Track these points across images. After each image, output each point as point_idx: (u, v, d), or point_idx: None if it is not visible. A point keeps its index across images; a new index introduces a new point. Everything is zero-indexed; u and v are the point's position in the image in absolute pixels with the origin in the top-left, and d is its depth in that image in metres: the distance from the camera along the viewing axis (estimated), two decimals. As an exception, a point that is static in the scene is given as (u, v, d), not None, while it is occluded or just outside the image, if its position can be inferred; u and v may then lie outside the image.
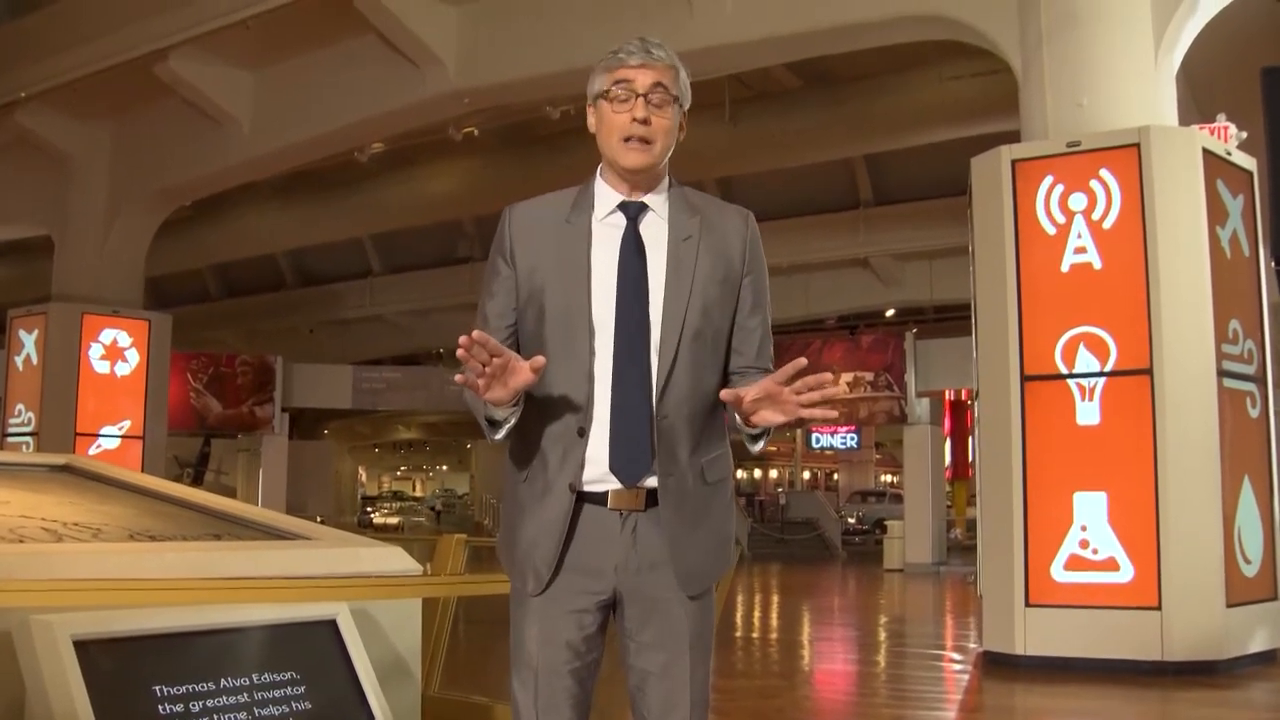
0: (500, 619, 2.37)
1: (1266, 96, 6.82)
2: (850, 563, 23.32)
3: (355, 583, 2.95)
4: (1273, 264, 8.16)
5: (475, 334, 2.02)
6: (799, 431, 31.02)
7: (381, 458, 60.00)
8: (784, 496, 31.94)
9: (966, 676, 8.32)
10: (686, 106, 2.30)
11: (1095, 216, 8.17)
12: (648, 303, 2.22)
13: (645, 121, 2.22)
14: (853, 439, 30.41)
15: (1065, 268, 8.22)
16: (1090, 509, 7.95)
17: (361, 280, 25.87)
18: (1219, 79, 10.57)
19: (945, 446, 23.48)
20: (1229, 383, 8.11)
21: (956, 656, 9.47)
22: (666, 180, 2.32)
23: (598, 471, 2.20)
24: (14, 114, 15.21)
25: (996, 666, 8.13)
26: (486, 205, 18.33)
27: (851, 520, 31.02)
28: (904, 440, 21.71)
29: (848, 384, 20.07)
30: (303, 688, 2.81)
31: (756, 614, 13.34)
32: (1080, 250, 8.18)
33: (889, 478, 42.62)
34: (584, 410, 2.20)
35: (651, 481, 2.20)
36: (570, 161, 15.33)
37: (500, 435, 2.22)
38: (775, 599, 15.81)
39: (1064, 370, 8.13)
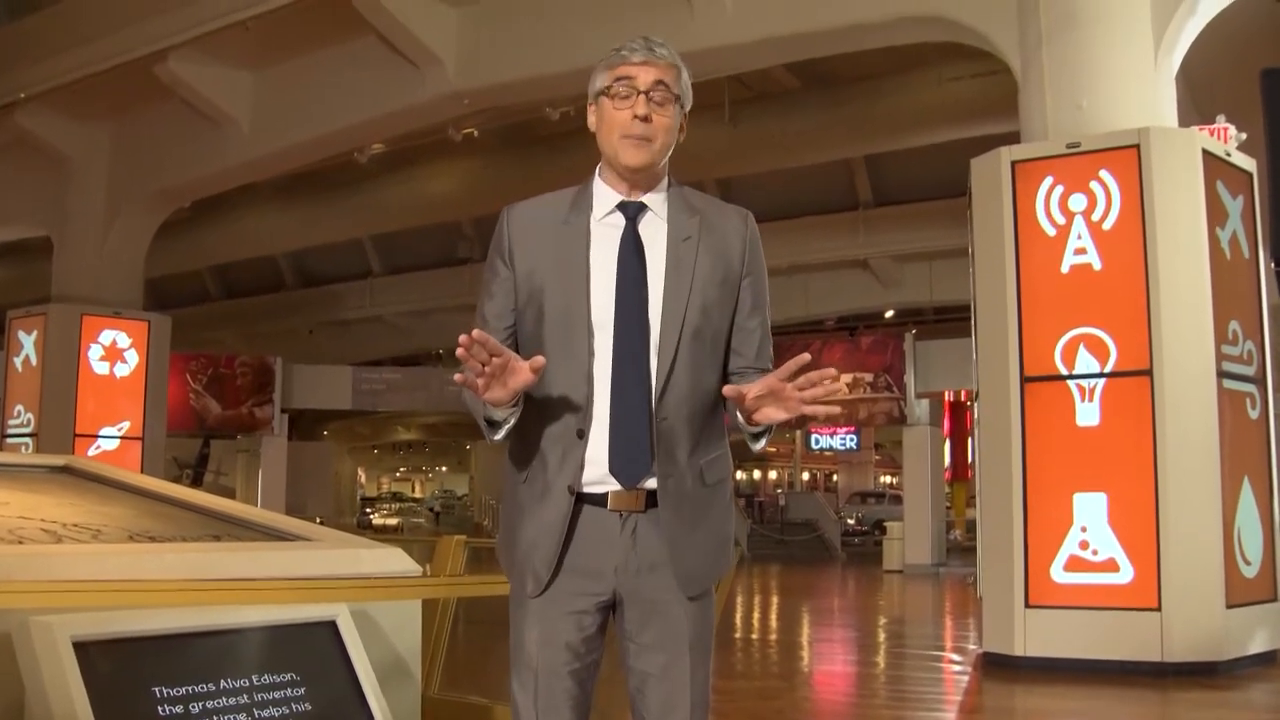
0: (500, 620, 2.36)
1: (1266, 98, 6.82)
2: (850, 564, 23.32)
3: (355, 584, 2.95)
4: (1272, 265, 8.17)
5: (475, 333, 2.01)
6: (798, 432, 31.02)
7: (381, 459, 60.00)
8: (783, 497, 31.96)
9: (966, 678, 8.32)
10: (688, 108, 2.29)
11: (1095, 217, 8.17)
12: (647, 303, 2.21)
13: (646, 119, 2.21)
14: (852, 440, 30.46)
15: (1065, 269, 8.22)
16: (1090, 510, 7.95)
17: (361, 281, 25.87)
18: (1218, 80, 10.57)
19: (945, 448, 23.49)
20: (1229, 384, 8.11)
21: (956, 657, 9.46)
22: (666, 180, 2.32)
23: (597, 473, 2.19)
24: (13, 115, 15.20)
25: (996, 667, 8.12)
26: (486, 206, 18.33)
27: (851, 521, 31.03)
28: (903, 441, 21.70)
29: (847, 385, 20.08)
30: (302, 689, 2.81)
31: (756, 615, 13.34)
32: (1080, 251, 8.18)
33: (888, 479, 42.64)
34: (583, 411, 2.20)
35: (651, 483, 2.19)
36: (570, 162, 15.34)
37: (499, 436, 2.22)
38: (775, 600, 15.80)
39: (1064, 371, 8.12)
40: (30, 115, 15.27)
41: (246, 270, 26.70)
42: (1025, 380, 8.23)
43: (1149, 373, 7.88)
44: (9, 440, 15.35)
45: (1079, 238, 8.18)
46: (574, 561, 2.20)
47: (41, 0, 15.14)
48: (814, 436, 30.35)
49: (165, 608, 2.65)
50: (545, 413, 2.22)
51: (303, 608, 2.92)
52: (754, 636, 11.27)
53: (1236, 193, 8.47)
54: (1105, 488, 7.94)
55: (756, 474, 45.23)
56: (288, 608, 2.89)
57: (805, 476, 44.76)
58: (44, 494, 3.66)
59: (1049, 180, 8.34)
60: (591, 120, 2.31)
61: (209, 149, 15.08)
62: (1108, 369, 8.02)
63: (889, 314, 24.16)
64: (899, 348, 20.35)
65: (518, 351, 2.28)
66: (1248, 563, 8.06)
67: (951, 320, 22.02)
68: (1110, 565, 7.86)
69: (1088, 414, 8.03)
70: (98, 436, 15.55)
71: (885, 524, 23.02)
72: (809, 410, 2.08)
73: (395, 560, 3.28)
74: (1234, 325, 8.24)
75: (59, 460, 4.25)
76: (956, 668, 8.93)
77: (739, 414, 2.16)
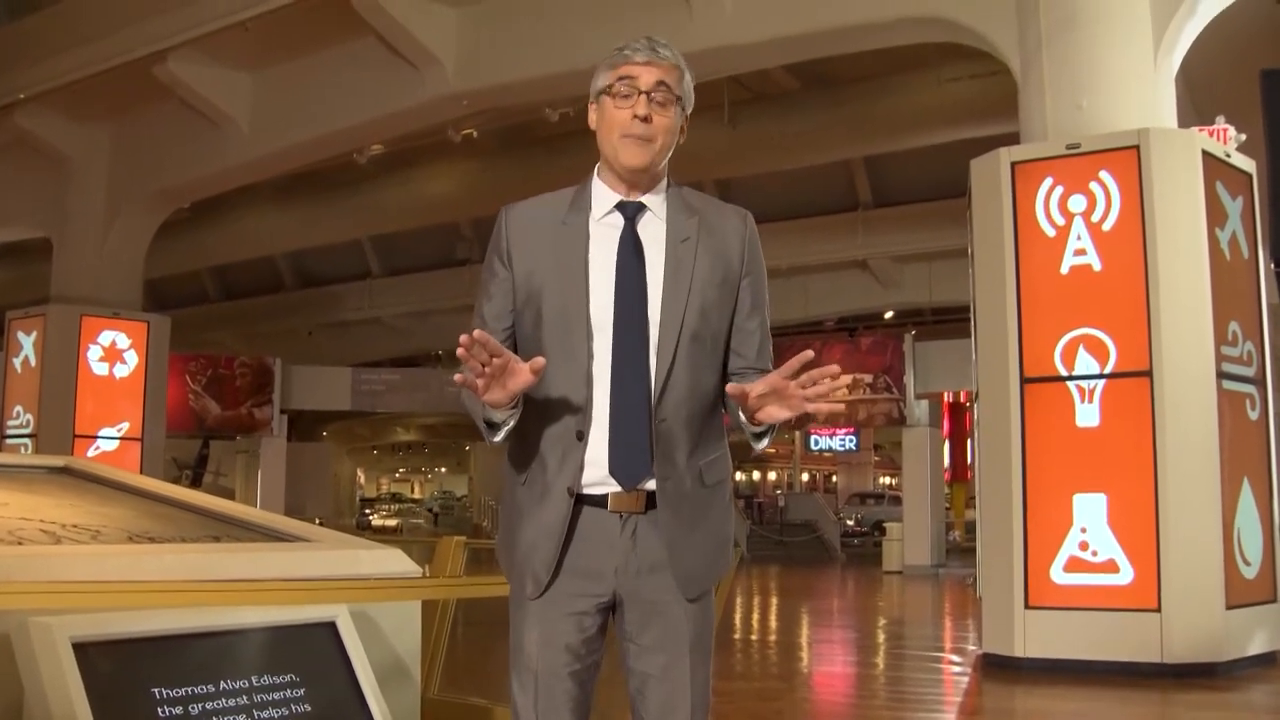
0: (500, 620, 2.36)
1: (1265, 99, 6.84)
2: (849, 565, 23.31)
3: (355, 585, 2.95)
4: (1272, 266, 8.18)
5: (476, 333, 2.00)
6: (797, 433, 31.01)
7: (380, 460, 60.03)
8: (783, 498, 31.94)
9: (966, 679, 8.31)
10: (689, 110, 2.29)
11: (1095, 218, 8.17)
12: (646, 304, 2.21)
13: (646, 119, 2.20)
14: (851, 441, 30.41)
15: (1065, 270, 8.22)
16: (1090, 511, 7.94)
17: (360, 282, 25.87)
18: (1218, 81, 10.58)
19: (944, 448, 23.48)
20: (1228, 385, 8.10)
21: (956, 659, 9.46)
22: (665, 181, 2.31)
23: (597, 474, 2.19)
24: (13, 115, 15.20)
25: (996, 669, 8.12)
26: (485, 207, 18.32)
27: (850, 522, 31.02)
28: (903, 442, 21.69)
29: (846, 386, 20.06)
30: (302, 690, 2.81)
31: (755, 616, 13.34)
32: (1080, 252, 8.18)
33: (888, 480, 42.64)
34: (583, 413, 2.19)
35: (650, 484, 2.19)
36: (569, 163, 15.32)
37: (498, 438, 2.21)
38: (774, 601, 15.80)
39: (1063, 372, 8.12)
40: (30, 116, 15.28)
41: (246, 271, 26.70)
42: (1025, 381, 8.22)
43: (1149, 374, 7.88)
44: (8, 441, 15.35)
45: (1079, 238, 8.18)
46: (574, 563, 2.20)
47: (41, 1, 15.14)
48: (813, 437, 30.34)
49: (165, 608, 2.65)
50: (544, 414, 2.21)
51: (302, 609, 2.92)
52: (753, 637, 11.27)
53: (1236, 193, 8.47)
54: (1105, 489, 7.93)
55: (756, 475, 45.23)
56: (287, 609, 2.88)
57: (805, 477, 44.77)
58: (43, 495, 3.65)
59: (1049, 181, 8.33)
60: (592, 119, 2.30)
61: (208, 150, 15.08)
62: (1107, 370, 8.02)
63: (888, 315, 24.17)
64: (898, 349, 20.34)
65: (517, 351, 2.28)
66: (1247, 563, 8.06)
67: (951, 321, 22.02)
68: (1110, 566, 7.86)
69: (1087, 415, 8.03)
70: (97, 437, 15.55)
71: (885, 525, 23.01)
72: (812, 408, 2.07)
73: (395, 561, 3.28)
74: (1234, 326, 8.24)
75: (58, 461, 4.25)
76: (956, 669, 8.93)
77: (741, 413, 2.15)
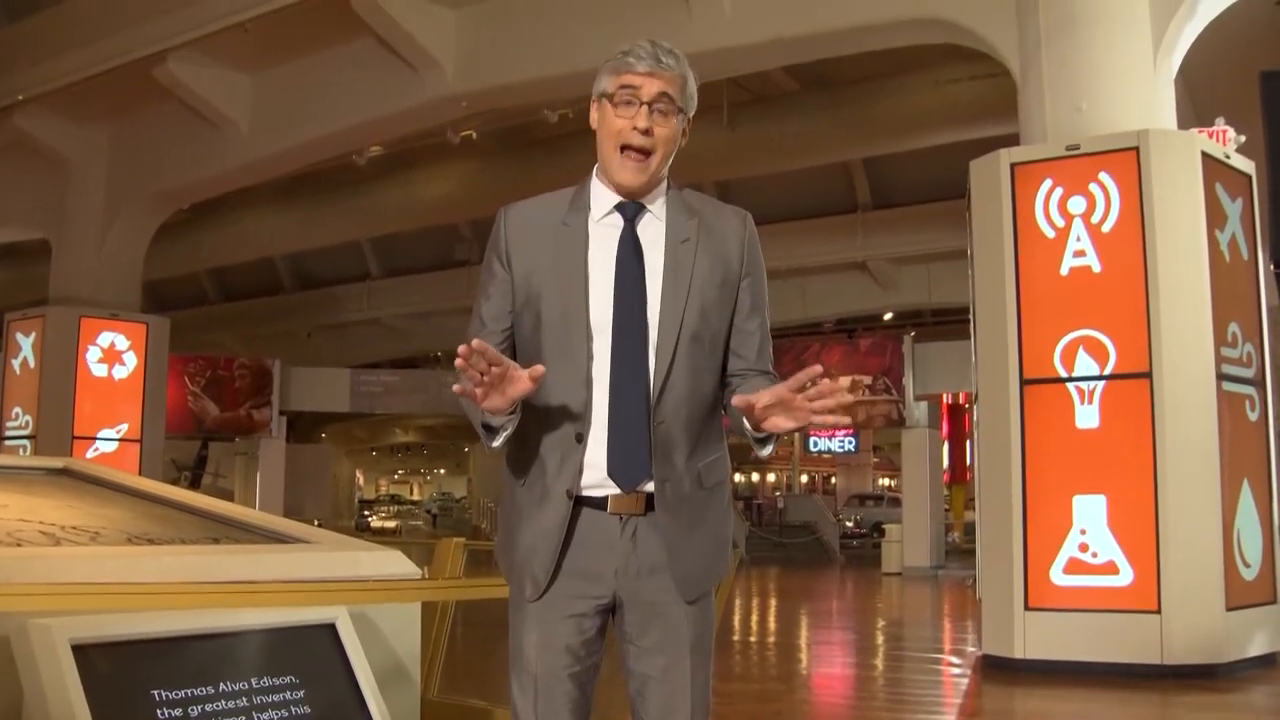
0: (499, 622, 2.36)
1: (1265, 100, 6.82)
2: (848, 566, 23.31)
3: (354, 586, 2.95)
4: (1272, 267, 8.17)
5: (475, 343, 2.00)
6: (797, 435, 31.02)
7: (379, 461, 60.03)
8: (782, 500, 31.91)
9: (965, 680, 8.31)
10: (691, 113, 2.28)
11: (1094, 220, 8.17)
12: (645, 306, 2.20)
13: (647, 132, 2.19)
14: (850, 442, 30.40)
15: (1064, 271, 8.22)
16: (1090, 512, 7.94)
17: (359, 283, 25.88)
18: (1217, 82, 10.58)
19: (943, 450, 23.48)
20: (1228, 386, 8.10)
21: (955, 660, 9.46)
22: (665, 182, 2.30)
23: (596, 476, 2.18)
24: (12, 117, 15.20)
25: (996, 670, 8.12)
26: (484, 208, 18.32)
27: (849, 524, 30.99)
28: (902, 444, 21.70)
29: (850, 399, 20.05)
30: (302, 692, 2.80)
31: (755, 618, 13.33)
32: (1079, 254, 8.18)
33: (887, 481, 42.63)
34: (582, 415, 2.18)
35: (650, 486, 2.18)
36: (568, 164, 15.31)
37: (497, 443, 2.20)
38: (773, 602, 15.79)
39: (1063, 374, 8.12)
40: (29, 117, 15.27)
41: (245, 272, 26.70)
42: (1025, 383, 8.22)
43: (1148, 375, 7.88)
44: (7, 443, 15.33)
45: (1078, 240, 8.18)
46: (573, 565, 2.19)
47: (40, 2, 15.13)
48: (812, 439, 30.31)
49: (164, 610, 2.64)
50: (543, 417, 2.21)
51: (302, 610, 2.91)
52: (753, 639, 11.27)
53: (1236, 195, 8.48)
54: (1105, 490, 7.93)
55: (755, 476, 45.23)
56: (287, 610, 2.88)
57: (804, 479, 44.74)
58: (42, 496, 3.65)
59: (1048, 182, 8.33)
60: (593, 118, 2.28)
61: (208, 151, 15.08)
62: (1107, 371, 8.02)
63: (887, 316, 24.18)
64: (897, 350, 20.35)
65: (516, 353, 2.28)
66: (1247, 565, 8.06)
67: (950, 322, 22.05)
68: (1110, 568, 7.86)
69: (1087, 416, 8.02)
70: (96, 439, 15.54)
71: (884, 526, 23.02)
72: (818, 420, 2.06)
73: (394, 563, 3.28)
74: (1233, 327, 8.24)
75: (57, 462, 4.25)
76: (956, 670, 8.92)
77: (745, 421, 2.14)
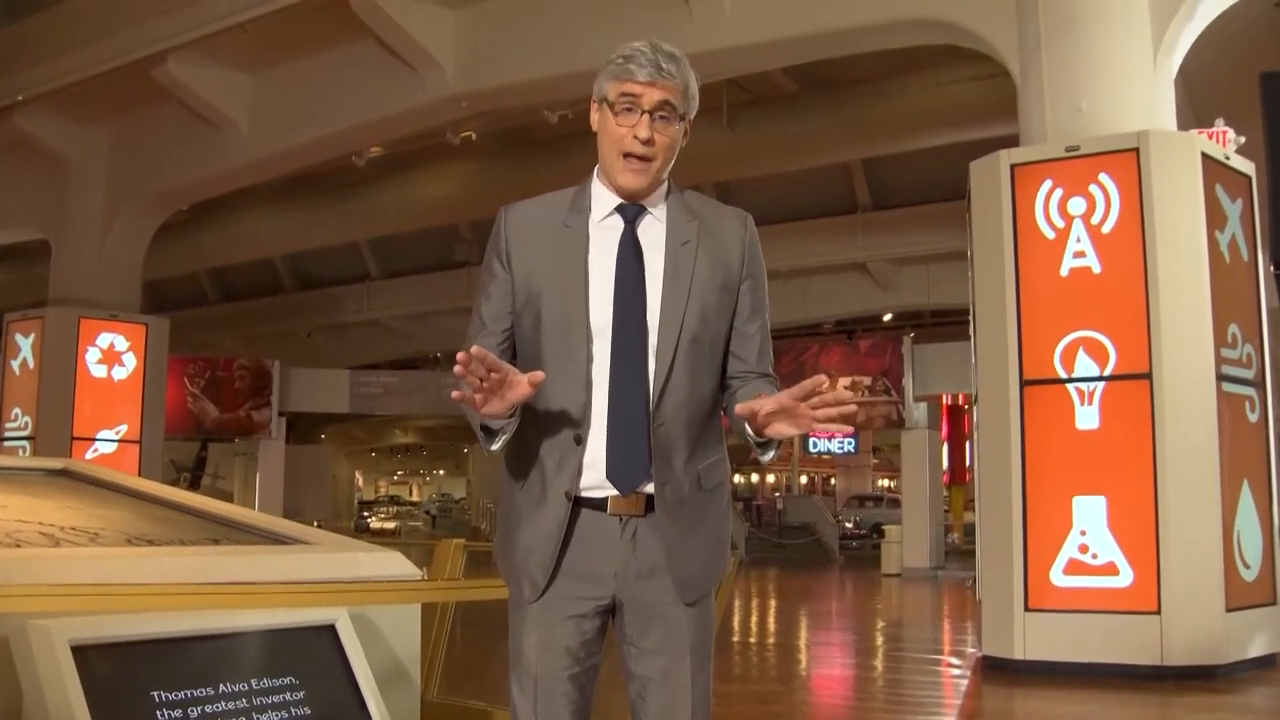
0: (499, 623, 2.35)
1: (1265, 101, 6.83)
2: (848, 568, 23.31)
3: (354, 588, 2.94)
4: (1272, 268, 8.17)
5: (474, 350, 1.99)
6: (796, 436, 30.96)
7: (378, 462, 60.01)
8: (781, 501, 31.92)
9: (965, 681, 8.30)
10: (692, 115, 2.27)
11: (1094, 221, 8.17)
12: (645, 308, 2.20)
13: (649, 141, 2.18)
14: (850, 444, 30.42)
15: (1064, 272, 8.22)
16: (1089, 513, 7.94)
17: (359, 284, 25.89)
18: (1217, 83, 10.58)
19: (943, 451, 23.48)
20: (1228, 387, 8.10)
21: (955, 661, 9.45)
22: (666, 184, 2.29)
23: (595, 478, 2.18)
24: (11, 117, 15.20)
25: (995, 671, 8.11)
26: (483, 209, 18.34)
27: (849, 525, 31.01)
28: (901, 445, 21.72)
29: (845, 388, 20.07)
30: (302, 693, 2.80)
31: (754, 619, 13.33)
32: (1079, 255, 8.17)
33: (886, 482, 42.63)
34: (581, 417, 2.18)
35: (649, 488, 2.18)
36: (568, 165, 15.32)
37: (496, 446, 2.20)
38: (773, 604, 15.79)
39: (1063, 375, 8.12)
40: (29, 117, 15.27)
41: (244, 273, 26.71)
42: (1024, 383, 8.22)
43: (1148, 376, 7.88)
44: (6, 443, 15.32)
45: (1078, 241, 8.18)
46: (572, 566, 2.19)
47: (40, 2, 15.13)
48: (812, 440, 30.27)
49: (164, 611, 2.64)
50: (543, 418, 2.20)
51: (301, 612, 2.91)
52: (752, 640, 11.26)
53: (1235, 196, 8.48)
54: (1105, 491, 7.93)
55: (754, 477, 45.21)
56: (286, 611, 2.88)
57: (803, 480, 44.72)
58: (42, 497, 3.65)
59: (1048, 183, 8.33)
60: (594, 119, 2.27)
61: (207, 151, 15.08)
62: (1107, 372, 8.01)
63: (887, 317, 24.19)
64: (897, 351, 20.36)
65: (516, 353, 2.27)
66: (1247, 566, 8.06)
67: (949, 324, 22.05)
68: (1110, 569, 7.86)
69: (1087, 417, 8.02)
70: (95, 439, 15.53)
71: (883, 527, 23.02)
72: (821, 429, 2.06)
73: (394, 564, 3.27)
74: (1233, 328, 8.24)
75: (57, 463, 4.24)
76: (955, 671, 8.92)
77: (748, 427, 2.14)
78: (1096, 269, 8.15)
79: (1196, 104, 10.63)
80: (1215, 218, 8.21)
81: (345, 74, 13.58)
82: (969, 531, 22.00)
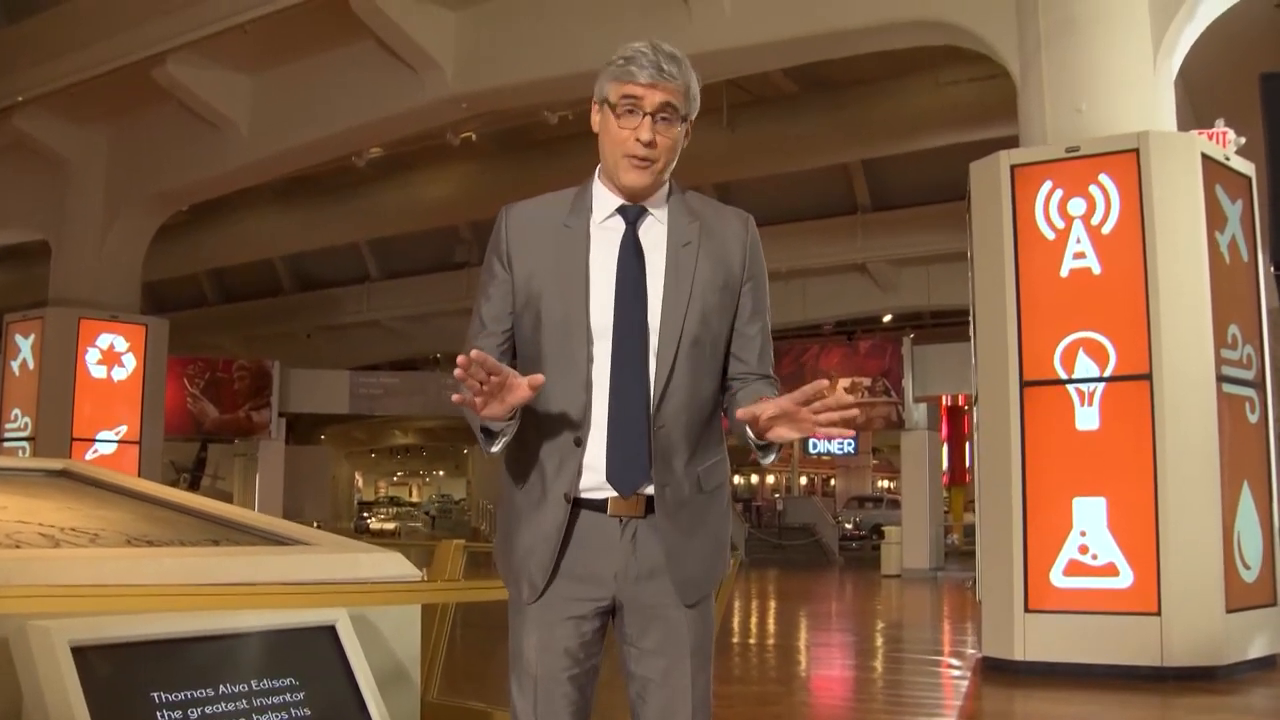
0: (499, 624, 2.35)
1: (1265, 102, 6.84)
2: (848, 568, 23.30)
3: (354, 588, 2.94)
4: (1272, 269, 8.17)
5: (474, 353, 1.99)
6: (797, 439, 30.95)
7: (378, 463, 60.03)
8: (781, 502, 31.89)
9: (965, 682, 8.30)
10: (694, 116, 2.26)
11: (1094, 222, 8.16)
12: (646, 310, 2.19)
13: (650, 144, 2.18)
14: (850, 445, 30.42)
15: (1064, 273, 8.22)
16: (1090, 514, 7.94)
17: (359, 285, 25.89)
18: (1217, 84, 10.59)
19: (942, 452, 23.47)
20: (1228, 388, 8.10)
21: (955, 662, 9.45)
22: (667, 185, 2.29)
23: (595, 480, 2.18)
24: (11, 118, 15.21)
25: (995, 672, 8.11)
26: (483, 210, 18.36)
27: (849, 526, 31.01)
28: (901, 446, 21.70)
29: (845, 389, 20.06)
30: (302, 694, 2.80)
31: (754, 620, 13.32)
32: (1079, 255, 8.17)
33: (886, 483, 42.63)
34: (581, 419, 2.18)
35: (649, 489, 2.18)
36: (568, 166, 15.34)
37: (496, 448, 2.19)
38: (773, 605, 15.79)
39: (1063, 375, 8.12)
40: (28, 118, 15.28)
41: (244, 274, 26.72)
42: (1025, 384, 8.22)
43: (1148, 377, 7.88)
44: (6, 444, 15.32)
45: (1078, 242, 8.18)
46: (572, 567, 2.19)
47: (40, 3, 15.13)
48: (811, 441, 30.29)
49: (164, 612, 2.63)
50: (543, 420, 2.20)
51: (301, 612, 2.90)
52: (752, 641, 11.26)
53: (1235, 197, 8.47)
54: (1105, 492, 7.93)
55: (754, 478, 45.21)
56: (286, 612, 2.87)
57: (803, 481, 44.71)
58: (42, 498, 3.64)
59: (1048, 184, 8.33)
60: (595, 120, 2.27)
61: (207, 152, 15.08)
62: (1107, 373, 8.01)
63: (887, 318, 24.19)
64: (897, 352, 20.35)
65: (516, 354, 2.27)
66: (1247, 567, 8.05)
67: (949, 325, 22.06)
68: (1110, 570, 7.85)
69: (1087, 418, 8.02)
70: (95, 440, 15.53)
71: (883, 529, 23.01)
72: (823, 433, 2.06)
73: (394, 565, 3.27)
74: (1233, 329, 8.24)
75: (56, 464, 4.24)
76: (955, 672, 8.92)
77: (749, 430, 2.14)
78: (1096, 270, 8.14)
79: (1197, 105, 10.63)
80: (1215, 218, 8.21)
81: (345, 75, 13.59)
82: (969, 532, 22.00)
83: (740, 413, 2.12)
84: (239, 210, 21.58)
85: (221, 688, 2.67)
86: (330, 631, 2.94)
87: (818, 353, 21.06)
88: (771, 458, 2.23)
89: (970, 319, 9.17)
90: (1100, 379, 8.02)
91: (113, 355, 15.76)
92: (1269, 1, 10.13)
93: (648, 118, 2.18)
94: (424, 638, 3.47)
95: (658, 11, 11.44)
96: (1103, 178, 8.17)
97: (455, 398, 2.05)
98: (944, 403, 23.11)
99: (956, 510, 26.97)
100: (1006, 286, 8.34)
